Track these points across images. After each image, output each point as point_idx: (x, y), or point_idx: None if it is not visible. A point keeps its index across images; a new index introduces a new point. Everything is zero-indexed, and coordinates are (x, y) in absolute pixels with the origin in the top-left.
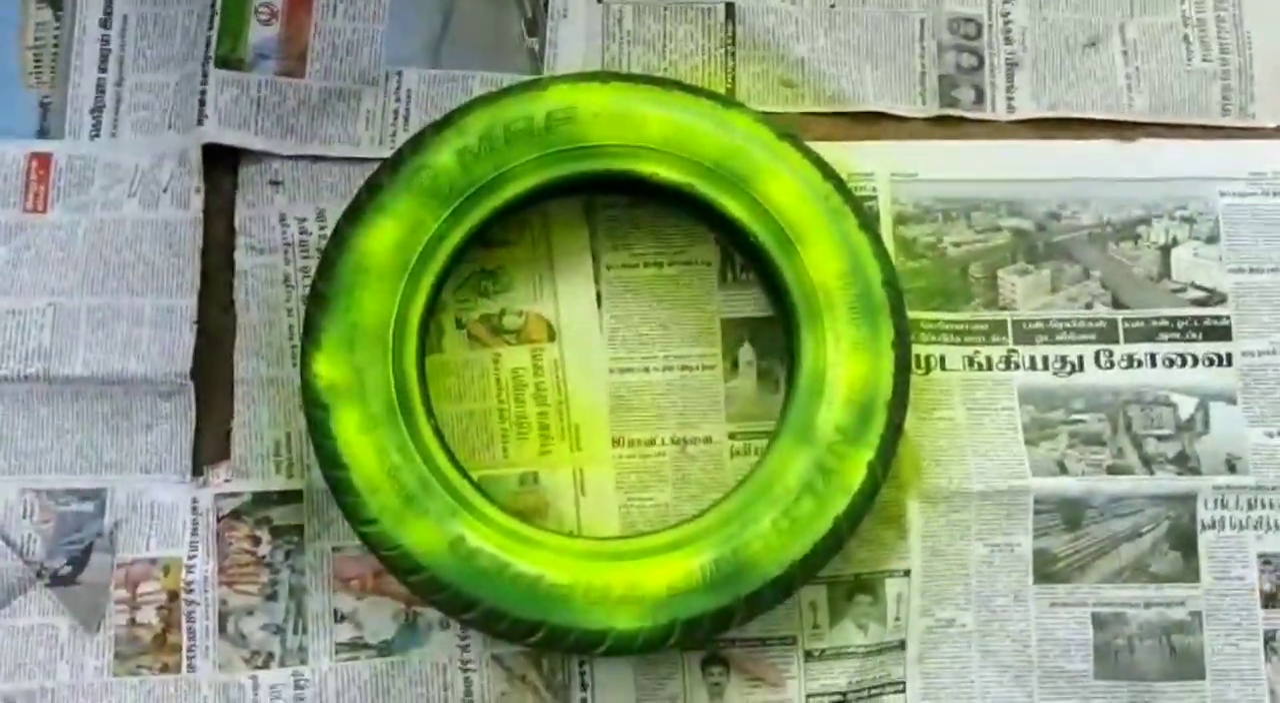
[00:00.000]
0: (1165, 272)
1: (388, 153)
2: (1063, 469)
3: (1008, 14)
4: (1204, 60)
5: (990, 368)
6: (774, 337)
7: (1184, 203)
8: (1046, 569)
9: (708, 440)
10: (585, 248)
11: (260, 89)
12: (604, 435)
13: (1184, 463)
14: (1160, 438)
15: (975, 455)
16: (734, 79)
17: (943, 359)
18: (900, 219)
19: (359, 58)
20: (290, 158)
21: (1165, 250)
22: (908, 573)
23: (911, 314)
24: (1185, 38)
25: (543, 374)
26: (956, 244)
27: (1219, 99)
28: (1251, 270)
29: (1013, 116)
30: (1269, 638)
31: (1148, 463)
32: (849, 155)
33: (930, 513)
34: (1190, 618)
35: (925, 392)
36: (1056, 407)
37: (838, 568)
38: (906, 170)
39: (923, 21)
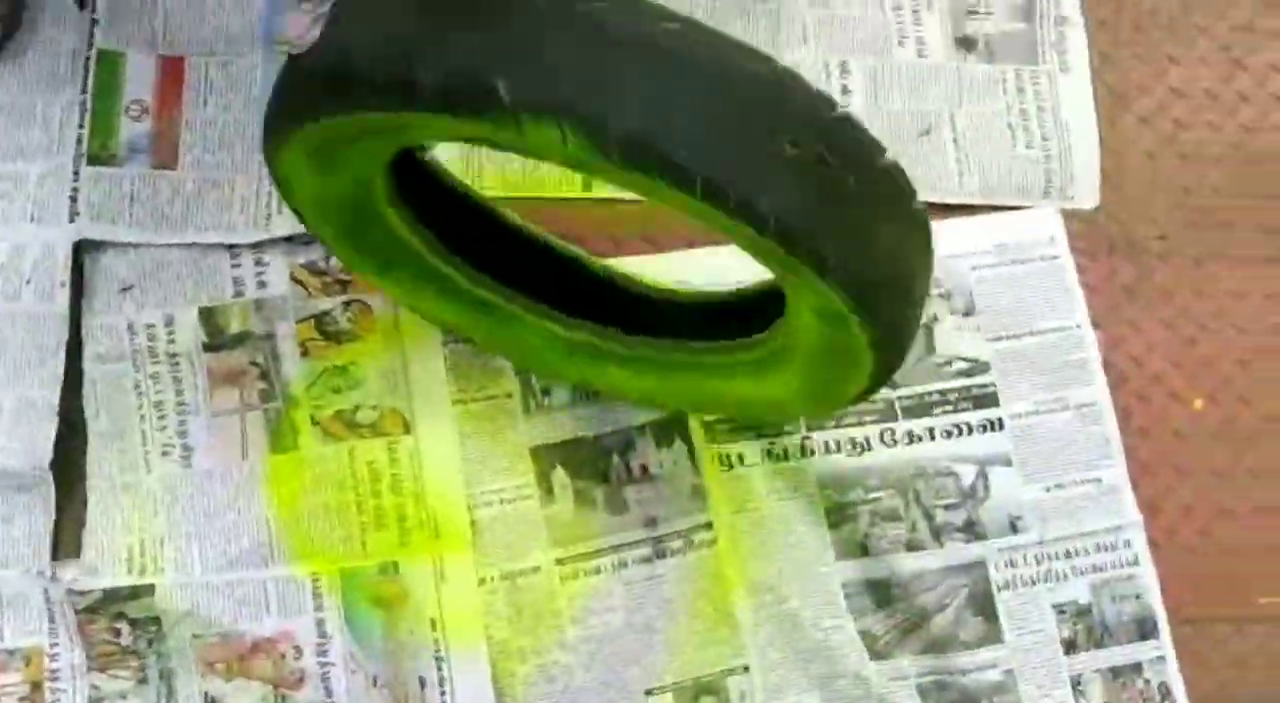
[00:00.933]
0: (931, 348)
1: (263, 236)
2: (865, 551)
3: (848, 105)
4: (1027, 146)
5: (788, 458)
6: (584, 458)
7: (940, 280)
8: (872, 648)
9: (535, 570)
10: (438, 340)
11: (134, 183)
12: (463, 521)
13: (971, 529)
14: (947, 507)
15: (786, 546)
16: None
17: (741, 456)
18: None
19: (232, 148)
20: (143, 254)
21: (928, 328)
22: (747, 669)
23: (707, 417)
24: (1010, 126)
25: (399, 466)
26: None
27: (1042, 182)
28: (1008, 337)
29: None
30: (1075, 682)
31: (937, 535)
32: (656, 265)
33: (759, 607)
34: (1004, 677)
35: (731, 488)
36: (854, 487)
37: (679, 674)
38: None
39: None
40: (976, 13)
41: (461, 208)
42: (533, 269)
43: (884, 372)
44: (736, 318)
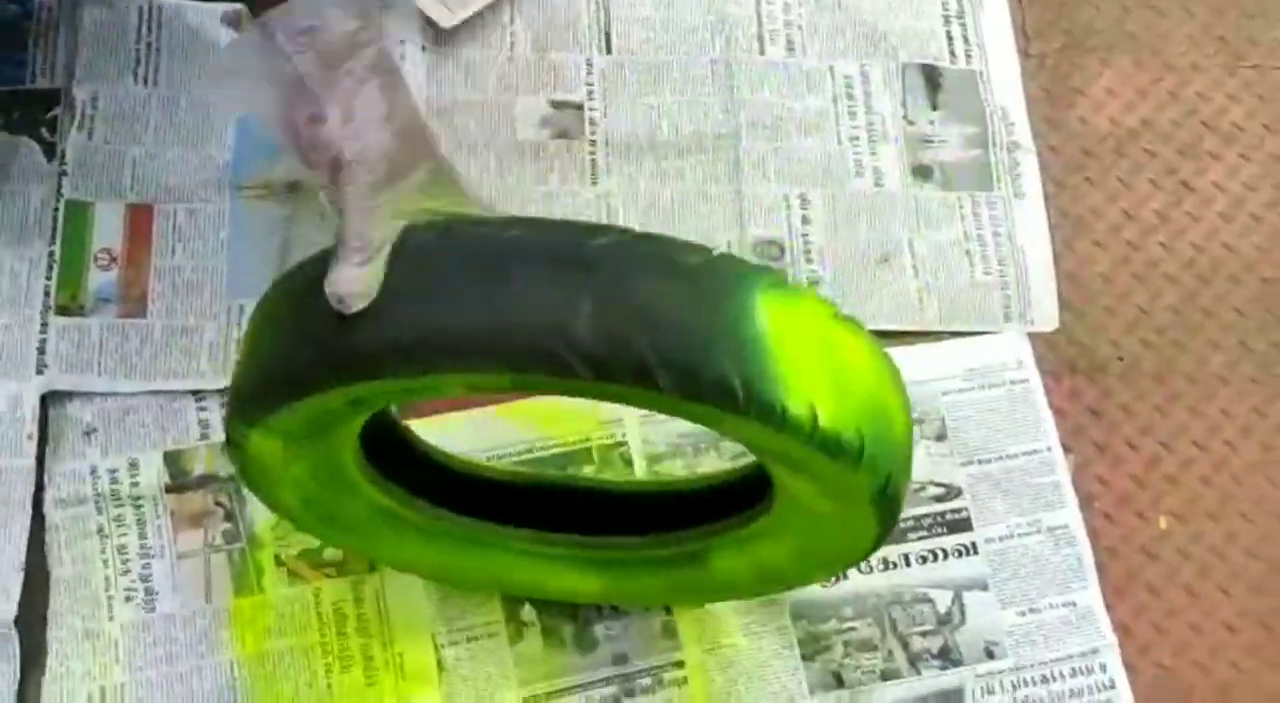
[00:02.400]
0: None
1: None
2: (839, 682)
3: (807, 235)
4: (985, 272)
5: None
6: None
7: (912, 406)
8: None
9: None
10: None
11: (102, 333)
12: (430, 660)
13: (947, 656)
14: (924, 634)
15: (760, 681)
16: None
17: None
18: (653, 458)
19: (200, 295)
20: (108, 401)
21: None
22: None
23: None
24: (967, 252)
25: (365, 605)
26: (708, 472)
27: (1001, 307)
28: (979, 462)
29: None
30: None
31: (914, 663)
32: (597, 408)
33: None
34: None
35: (703, 624)
36: (829, 617)
37: None
38: (648, 412)
39: (729, 244)
40: (931, 142)
41: (423, 459)
42: (503, 501)
43: (889, 522)
44: (722, 499)
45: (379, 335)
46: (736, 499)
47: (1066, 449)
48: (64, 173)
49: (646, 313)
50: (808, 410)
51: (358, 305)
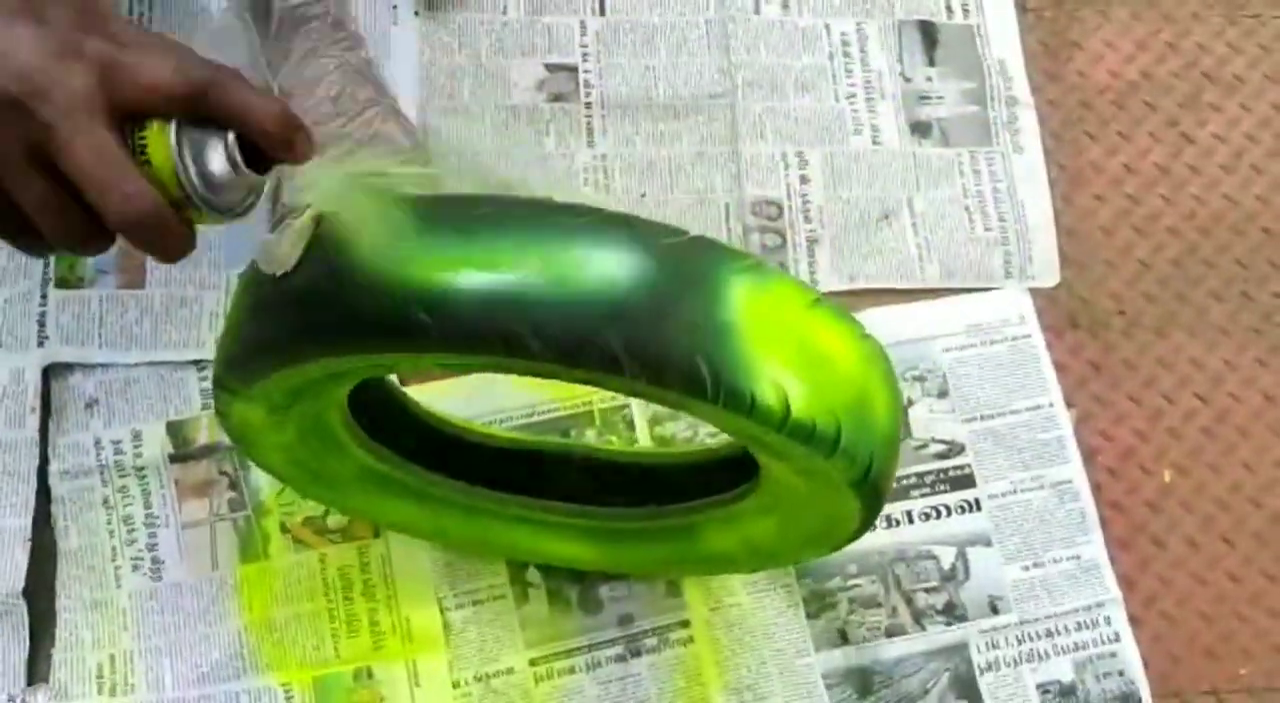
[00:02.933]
0: (907, 431)
1: None
2: (844, 639)
3: (805, 194)
4: (985, 229)
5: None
6: None
7: (914, 364)
8: None
9: (510, 672)
10: None
11: (102, 304)
12: (436, 624)
13: (952, 612)
14: (928, 590)
15: (765, 639)
16: None
17: None
18: (655, 420)
19: (198, 265)
20: (110, 372)
21: (904, 411)
22: None
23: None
24: (967, 208)
25: (370, 570)
26: (712, 434)
27: (1002, 263)
28: (982, 418)
29: None
30: None
31: (918, 619)
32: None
33: None
34: None
35: (708, 584)
36: (833, 575)
37: None
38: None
39: (727, 205)
40: (929, 98)
41: (416, 424)
42: (499, 466)
43: (873, 508)
44: (716, 473)
45: (341, 312)
46: (728, 475)
47: (1069, 404)
48: None
49: (614, 297)
50: (779, 398)
51: (279, 269)
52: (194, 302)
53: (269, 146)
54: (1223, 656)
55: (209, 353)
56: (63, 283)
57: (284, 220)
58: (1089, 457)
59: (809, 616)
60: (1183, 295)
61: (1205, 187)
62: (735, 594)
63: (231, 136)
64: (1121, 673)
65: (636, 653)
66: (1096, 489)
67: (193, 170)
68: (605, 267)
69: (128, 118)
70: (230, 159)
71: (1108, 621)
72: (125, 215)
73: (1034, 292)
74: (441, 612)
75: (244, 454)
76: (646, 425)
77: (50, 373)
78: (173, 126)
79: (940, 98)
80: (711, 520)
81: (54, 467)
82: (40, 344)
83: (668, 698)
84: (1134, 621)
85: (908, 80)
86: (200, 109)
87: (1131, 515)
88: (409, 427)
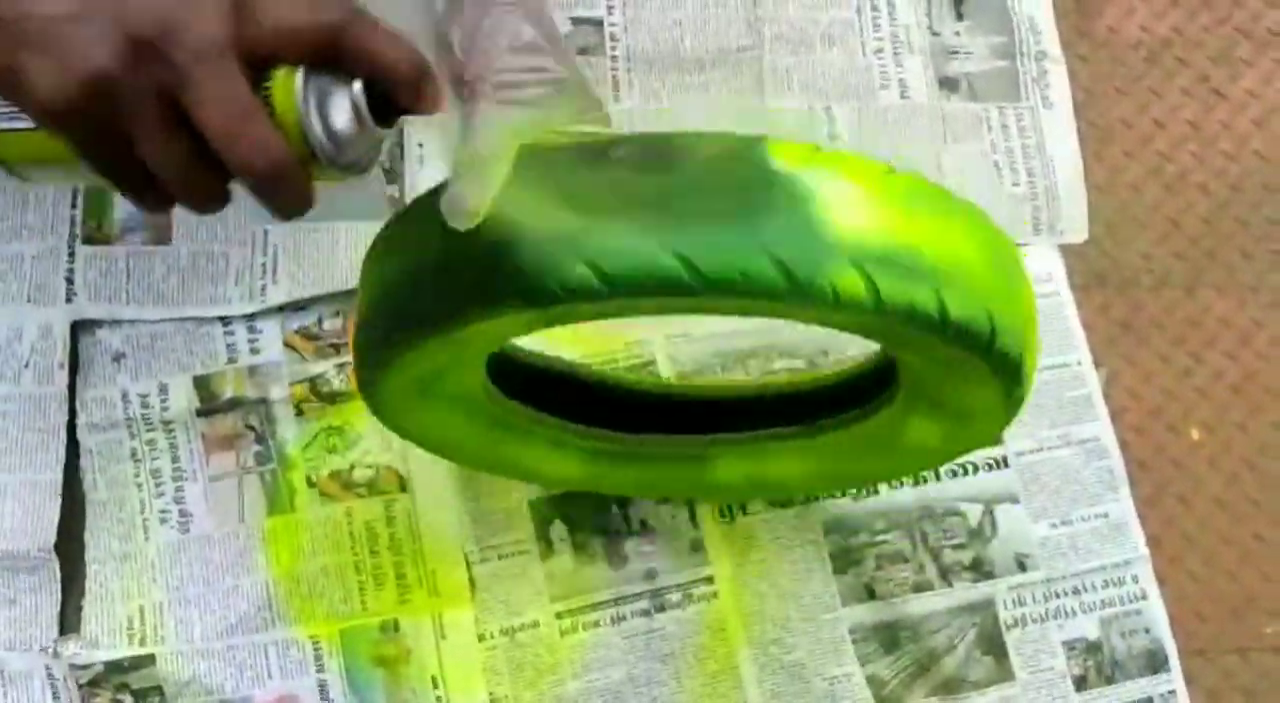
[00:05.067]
0: None
1: (259, 306)
2: (871, 594)
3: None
4: (1014, 185)
5: (791, 505)
6: (583, 511)
7: None
8: (881, 693)
9: (535, 625)
10: None
11: (129, 260)
12: (461, 577)
13: (979, 568)
14: (955, 547)
15: (791, 595)
16: None
17: (743, 506)
18: (681, 377)
19: (224, 221)
20: (137, 326)
21: None
22: None
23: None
24: (996, 164)
25: (396, 524)
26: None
27: (1030, 219)
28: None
29: None
30: None
31: (945, 575)
32: (623, 327)
33: (763, 659)
34: None
35: (732, 540)
36: (860, 530)
37: None
38: (678, 332)
39: None
40: (957, 53)
41: (548, 375)
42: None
43: (1015, 403)
44: (848, 392)
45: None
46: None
47: (1098, 364)
48: None
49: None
50: (937, 304)
51: (468, 223)
52: (220, 257)
53: (399, 95)
54: (1248, 615)
55: (235, 308)
56: (90, 239)
57: (468, 171)
58: (1117, 415)
59: (835, 571)
60: (1212, 253)
61: (1237, 143)
62: (762, 549)
63: (359, 87)
64: (1148, 631)
65: (661, 608)
66: (1124, 447)
67: (318, 125)
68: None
69: (256, 63)
70: (356, 111)
71: (1135, 579)
72: (255, 167)
73: (1063, 249)
74: (467, 566)
75: (391, 428)
76: (675, 379)
77: (77, 328)
78: (300, 75)
79: (969, 52)
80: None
81: (82, 420)
82: (69, 300)
83: (693, 652)
84: (1160, 579)
85: (936, 34)
86: (331, 54)
87: (1158, 474)
88: (538, 377)
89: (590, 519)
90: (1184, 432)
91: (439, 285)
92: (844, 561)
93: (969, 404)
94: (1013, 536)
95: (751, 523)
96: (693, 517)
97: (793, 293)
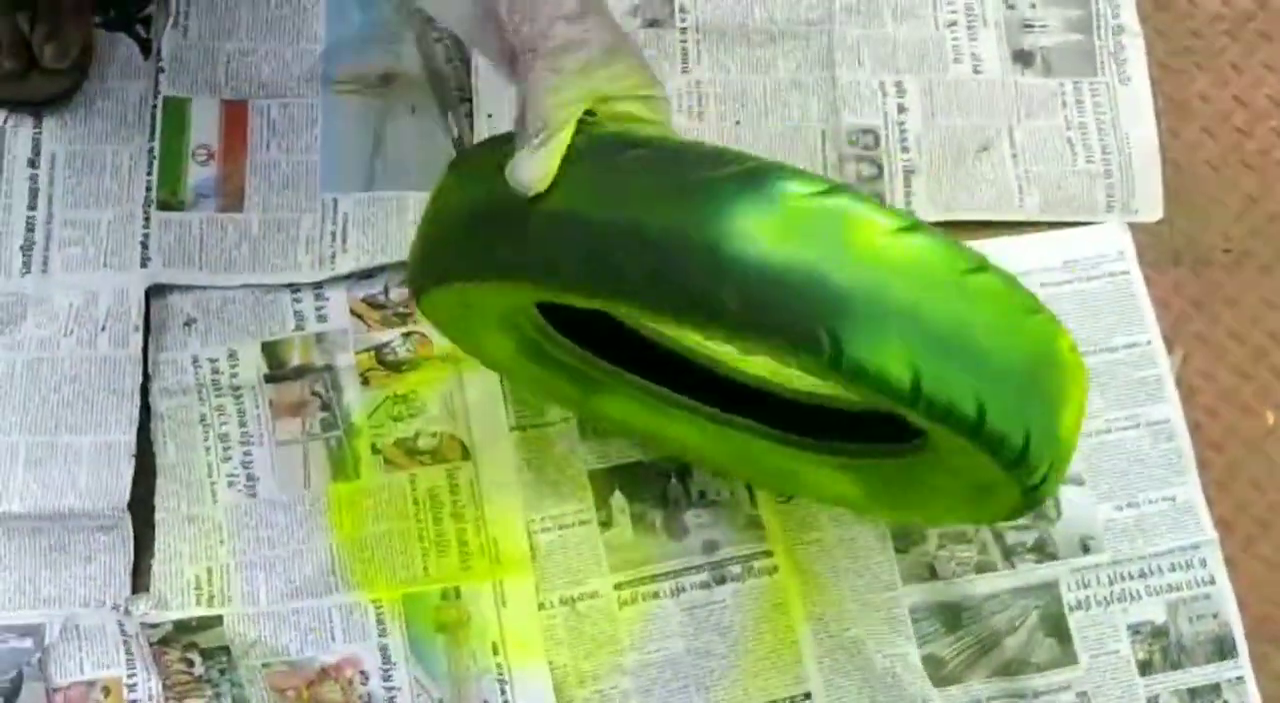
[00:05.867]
0: None
1: (328, 274)
2: (933, 573)
3: (903, 123)
4: (1088, 161)
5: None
6: (642, 481)
7: None
8: (940, 673)
9: (594, 595)
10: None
11: (202, 227)
12: (522, 546)
13: (1043, 550)
14: (1018, 528)
15: (851, 572)
16: None
17: None
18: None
19: (295, 189)
20: (208, 292)
21: None
22: (809, 696)
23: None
24: (1069, 140)
25: (459, 492)
26: None
27: (1104, 196)
28: (1080, 354)
29: None
30: None
31: (1009, 556)
32: None
33: (822, 634)
34: (1078, 699)
35: (788, 518)
36: None
37: (740, 701)
38: None
39: (823, 133)
40: (1032, 27)
41: (609, 325)
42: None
43: (1031, 505)
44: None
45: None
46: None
47: (1170, 348)
48: (161, 70)
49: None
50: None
51: (535, 189)
52: (290, 225)
53: None
54: None
55: (304, 276)
56: (165, 205)
57: (535, 139)
58: (1188, 396)
59: (897, 550)
60: None
61: None
62: (821, 528)
63: None
64: (1215, 616)
65: (721, 580)
66: (1195, 429)
67: None
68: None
69: None
70: None
71: (1203, 563)
72: None
73: (1135, 227)
74: (529, 535)
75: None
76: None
77: (150, 293)
78: None
79: (1044, 26)
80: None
81: (155, 384)
82: (143, 265)
83: (751, 625)
84: (1230, 564)
85: (1011, 7)
86: None
87: (1231, 456)
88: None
89: (649, 489)
90: (1258, 414)
91: (490, 235)
92: (905, 540)
93: (986, 480)
94: (1077, 517)
95: (809, 504)
96: (750, 492)
97: (831, 364)
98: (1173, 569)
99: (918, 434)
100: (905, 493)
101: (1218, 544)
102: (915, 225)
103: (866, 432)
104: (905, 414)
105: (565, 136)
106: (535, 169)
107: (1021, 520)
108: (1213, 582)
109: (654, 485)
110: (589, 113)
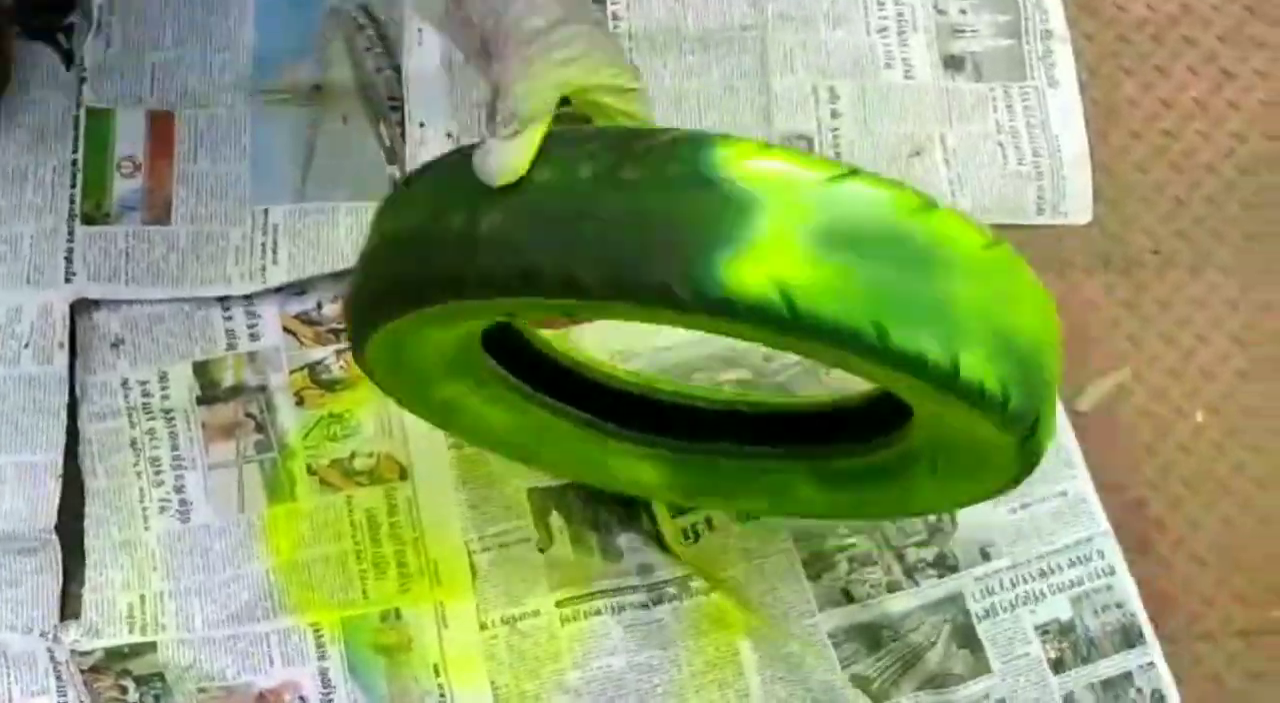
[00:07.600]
0: None
1: (259, 287)
2: (849, 597)
3: (836, 129)
4: (1019, 164)
5: (757, 516)
6: (575, 504)
7: None
8: (870, 689)
9: (536, 614)
10: None
11: (128, 240)
12: (463, 566)
13: (943, 563)
14: (917, 545)
15: (769, 604)
16: None
17: (709, 521)
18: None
19: (224, 200)
20: (135, 309)
21: None
22: None
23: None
24: (1000, 144)
25: (397, 512)
26: None
27: (1034, 199)
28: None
29: None
30: (1066, 700)
31: (910, 574)
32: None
33: (761, 648)
34: None
35: (702, 554)
36: (827, 536)
37: None
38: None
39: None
40: (963, 32)
41: (547, 363)
42: (628, 408)
43: (1030, 463)
44: (854, 422)
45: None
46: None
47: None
48: (83, 80)
49: None
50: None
51: (503, 180)
52: (220, 237)
53: None
54: (1254, 598)
55: (234, 289)
56: (89, 219)
57: (507, 128)
58: (1121, 397)
59: (810, 578)
60: (1219, 234)
61: (1245, 123)
62: (733, 565)
63: None
64: (1120, 606)
65: (659, 600)
66: (1129, 430)
67: None
68: None
69: None
70: None
71: (1100, 554)
72: None
73: (1066, 229)
74: (468, 555)
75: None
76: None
77: (75, 310)
78: None
79: (974, 31)
80: (863, 468)
81: (84, 409)
82: (68, 280)
83: (692, 641)
84: (1164, 562)
85: (941, 13)
86: None
87: (1163, 456)
88: (536, 362)
89: (582, 512)
90: (1189, 414)
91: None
92: (818, 566)
93: (979, 445)
94: (973, 526)
95: (717, 539)
96: (659, 538)
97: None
98: (1072, 565)
99: (897, 425)
100: (891, 489)
101: (1112, 535)
102: (854, 171)
103: (842, 433)
104: (871, 372)
105: (541, 128)
106: (504, 158)
107: (919, 536)
108: (1113, 572)
109: (587, 509)
110: (564, 103)
